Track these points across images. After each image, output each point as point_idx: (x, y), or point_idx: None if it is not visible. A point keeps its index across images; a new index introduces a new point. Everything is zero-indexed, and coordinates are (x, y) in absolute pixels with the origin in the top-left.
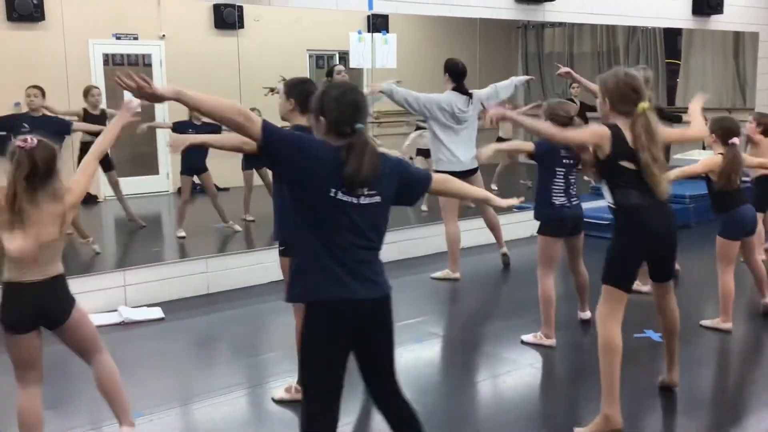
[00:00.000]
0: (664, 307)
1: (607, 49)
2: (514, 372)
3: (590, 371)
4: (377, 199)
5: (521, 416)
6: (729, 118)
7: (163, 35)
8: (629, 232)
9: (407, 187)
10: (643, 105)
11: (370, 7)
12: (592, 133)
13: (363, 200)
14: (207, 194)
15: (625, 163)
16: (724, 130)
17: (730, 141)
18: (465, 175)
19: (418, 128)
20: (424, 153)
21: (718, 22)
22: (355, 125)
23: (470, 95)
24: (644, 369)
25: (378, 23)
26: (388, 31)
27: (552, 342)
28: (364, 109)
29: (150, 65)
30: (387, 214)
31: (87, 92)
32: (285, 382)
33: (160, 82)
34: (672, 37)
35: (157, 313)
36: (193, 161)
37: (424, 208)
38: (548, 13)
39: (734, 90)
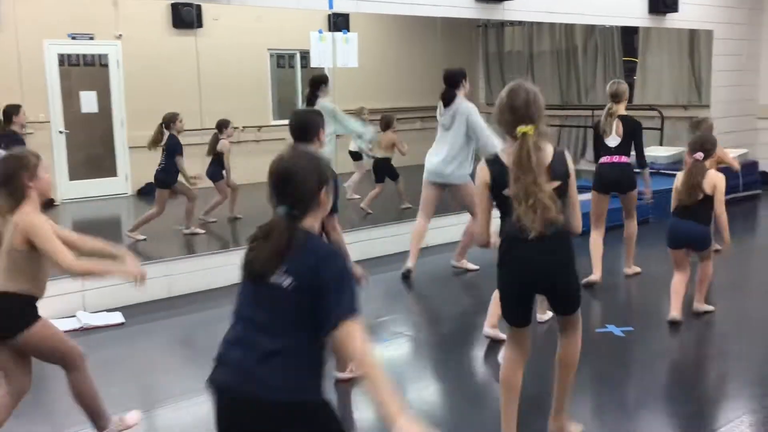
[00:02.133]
0: (561, 341)
1: (566, 48)
2: (481, 369)
3: (554, 369)
4: (288, 281)
5: (489, 414)
6: (702, 136)
7: (120, 35)
8: (502, 263)
9: (317, 302)
10: (521, 129)
11: (331, 5)
12: (478, 178)
13: (274, 279)
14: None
15: (507, 192)
16: (690, 146)
17: (694, 155)
18: (437, 184)
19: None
20: (354, 155)
21: (673, 20)
22: (277, 207)
23: (447, 103)
24: (605, 363)
25: (339, 22)
26: (349, 30)
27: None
28: (295, 186)
29: (106, 66)
30: (298, 305)
31: None
32: None
33: (117, 83)
34: (629, 35)
35: (117, 317)
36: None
37: (407, 205)
38: (507, 12)
39: (690, 87)
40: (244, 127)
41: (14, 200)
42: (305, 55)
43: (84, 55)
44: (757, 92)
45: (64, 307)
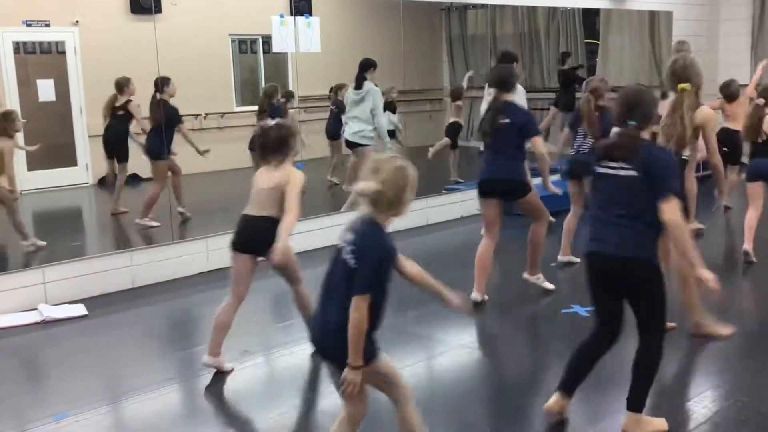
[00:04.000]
0: None
1: (528, 31)
2: (447, 353)
3: (522, 350)
4: (632, 173)
5: (456, 397)
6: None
7: (77, 21)
8: None
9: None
10: (681, 86)
11: None
12: None
13: (620, 172)
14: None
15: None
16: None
17: (757, 101)
18: None
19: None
20: (391, 134)
21: (633, 2)
22: (628, 122)
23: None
24: (569, 344)
25: (301, 6)
26: (311, 15)
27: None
28: (642, 108)
29: (64, 53)
30: (641, 188)
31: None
32: (220, 373)
33: (74, 70)
34: (590, 17)
35: (79, 310)
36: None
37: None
38: None
39: (650, 68)
40: (206, 114)
41: (282, 158)
42: (267, 40)
43: (40, 43)
44: (716, 73)
45: (25, 300)
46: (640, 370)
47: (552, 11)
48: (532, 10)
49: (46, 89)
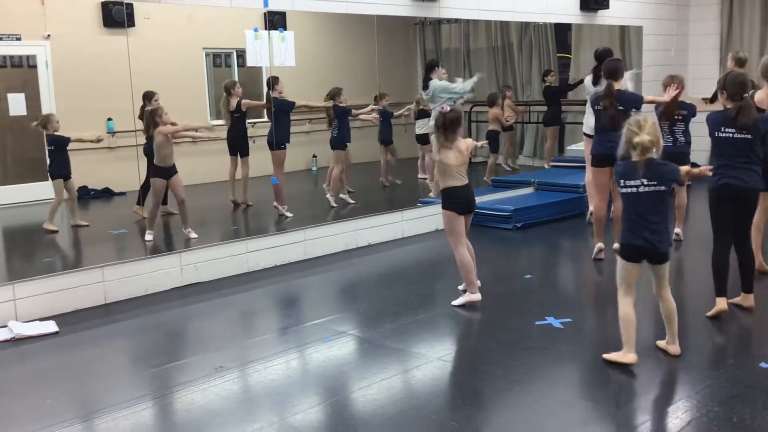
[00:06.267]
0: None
1: (501, 45)
2: (423, 366)
3: (496, 362)
4: (747, 136)
5: (431, 410)
6: None
7: (48, 35)
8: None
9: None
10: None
11: (266, 4)
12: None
13: (736, 135)
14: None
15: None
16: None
17: None
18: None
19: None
20: (420, 139)
21: (604, 17)
22: (743, 96)
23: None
24: (540, 356)
25: (275, 20)
26: (285, 29)
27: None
28: (745, 86)
29: (35, 67)
30: (753, 145)
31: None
32: (194, 389)
33: (46, 84)
34: (562, 32)
35: (50, 326)
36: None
37: (333, 203)
38: (444, 10)
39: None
40: None
41: (453, 135)
42: (242, 54)
43: (11, 57)
44: (685, 86)
45: None
46: (748, 266)
47: (524, 26)
48: (505, 24)
49: (17, 103)
